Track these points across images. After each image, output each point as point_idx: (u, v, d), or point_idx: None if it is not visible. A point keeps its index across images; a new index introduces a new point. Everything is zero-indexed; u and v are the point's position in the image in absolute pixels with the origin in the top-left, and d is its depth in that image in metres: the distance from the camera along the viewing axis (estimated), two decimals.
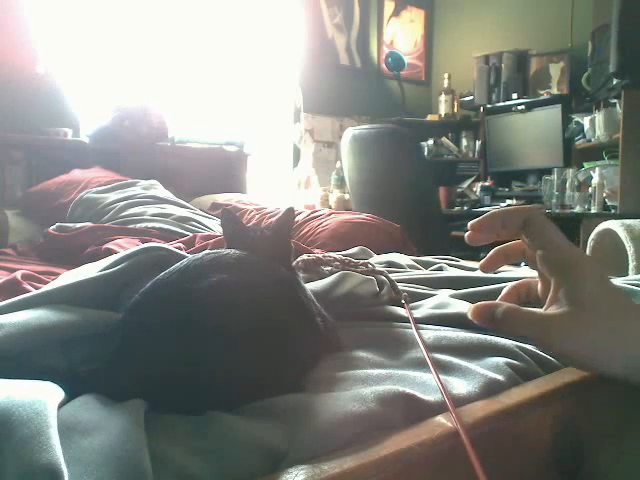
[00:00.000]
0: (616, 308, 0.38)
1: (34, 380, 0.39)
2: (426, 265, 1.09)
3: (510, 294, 0.48)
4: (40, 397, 0.35)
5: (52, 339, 0.47)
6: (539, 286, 0.45)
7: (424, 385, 0.46)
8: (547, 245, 0.40)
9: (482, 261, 0.48)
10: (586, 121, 3.14)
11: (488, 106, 3.76)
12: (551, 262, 0.40)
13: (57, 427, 0.33)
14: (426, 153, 3.78)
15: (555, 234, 0.40)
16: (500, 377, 0.48)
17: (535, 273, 0.45)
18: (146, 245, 0.62)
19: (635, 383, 0.41)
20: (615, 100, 2.94)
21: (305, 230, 1.70)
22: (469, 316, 0.39)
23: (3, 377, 0.38)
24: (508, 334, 0.41)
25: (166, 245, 0.66)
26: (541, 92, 3.56)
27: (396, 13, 4.07)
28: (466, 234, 0.42)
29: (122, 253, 0.61)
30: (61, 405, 0.37)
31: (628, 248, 1.69)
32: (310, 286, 0.66)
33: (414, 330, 0.57)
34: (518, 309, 0.38)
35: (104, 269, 0.58)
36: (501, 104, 3.69)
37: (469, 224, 0.42)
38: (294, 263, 0.73)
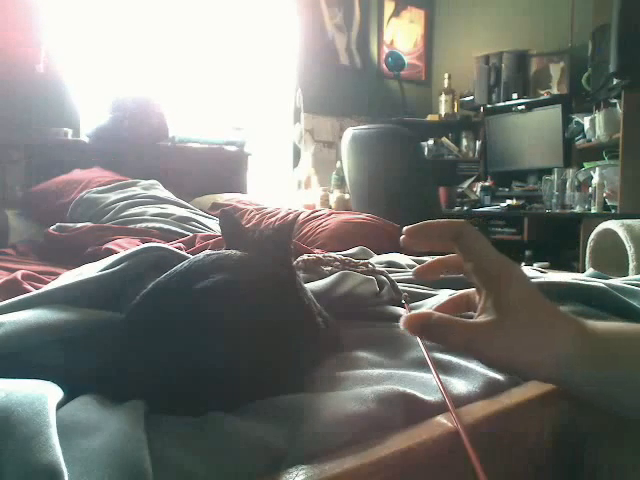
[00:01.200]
0: (537, 314, 0.39)
1: (33, 379, 0.39)
2: None
3: (448, 305, 0.49)
4: (39, 396, 0.35)
5: (52, 338, 0.47)
6: (477, 297, 0.46)
7: (424, 385, 0.46)
8: (476, 258, 0.41)
9: (418, 267, 0.50)
10: (586, 121, 3.14)
11: (488, 106, 3.76)
12: (479, 273, 0.41)
13: (57, 427, 0.33)
14: (426, 153, 3.77)
15: (484, 246, 0.41)
16: (500, 377, 0.49)
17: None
18: (146, 245, 0.62)
19: (569, 389, 0.42)
20: (615, 100, 2.95)
21: (305, 230, 1.70)
22: (401, 326, 0.39)
23: (2, 376, 0.38)
24: (439, 345, 0.41)
25: (166, 245, 0.66)
26: (541, 92, 3.57)
27: (396, 13, 4.07)
28: (401, 237, 0.43)
29: (122, 253, 0.61)
30: (61, 405, 0.37)
31: (628, 248, 1.69)
32: (310, 286, 0.66)
33: None
34: (448, 319, 0.38)
35: (104, 269, 0.58)
36: (501, 104, 3.69)
37: (404, 229, 0.43)
38: (294, 263, 0.73)
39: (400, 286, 0.76)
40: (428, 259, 1.18)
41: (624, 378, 0.39)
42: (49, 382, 0.39)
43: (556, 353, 0.38)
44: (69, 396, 0.40)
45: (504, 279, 0.39)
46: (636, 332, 0.41)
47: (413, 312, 0.39)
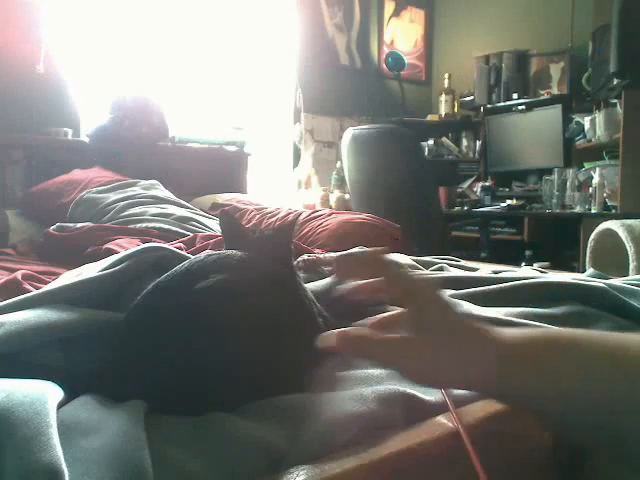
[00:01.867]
0: (453, 331, 0.40)
1: (34, 380, 0.39)
2: (426, 265, 1.09)
3: (383, 322, 0.50)
4: (40, 397, 0.35)
5: (52, 338, 0.47)
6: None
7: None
8: (393, 281, 0.43)
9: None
10: (586, 121, 3.14)
11: (488, 106, 3.76)
12: (398, 294, 0.43)
13: (57, 427, 0.33)
14: (426, 153, 3.77)
15: (399, 270, 0.43)
16: None
17: None
18: (147, 245, 0.62)
19: (502, 402, 0.42)
20: (615, 100, 2.94)
21: (305, 230, 1.70)
22: (331, 343, 0.40)
23: (3, 376, 0.38)
24: (368, 360, 0.43)
25: (166, 245, 0.66)
26: (541, 92, 3.56)
27: (396, 13, 4.07)
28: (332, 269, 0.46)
29: (123, 253, 0.61)
30: (61, 405, 0.37)
31: (628, 248, 1.69)
32: (310, 286, 0.66)
33: None
34: (374, 336, 0.40)
35: (105, 269, 0.58)
36: (501, 104, 3.69)
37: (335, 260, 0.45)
38: (294, 263, 0.73)
39: None
40: (428, 259, 1.18)
41: (549, 390, 0.37)
42: (49, 382, 0.39)
43: (473, 368, 0.38)
44: (69, 396, 0.40)
45: (419, 299, 0.41)
46: (557, 338, 0.41)
47: (343, 329, 0.40)
